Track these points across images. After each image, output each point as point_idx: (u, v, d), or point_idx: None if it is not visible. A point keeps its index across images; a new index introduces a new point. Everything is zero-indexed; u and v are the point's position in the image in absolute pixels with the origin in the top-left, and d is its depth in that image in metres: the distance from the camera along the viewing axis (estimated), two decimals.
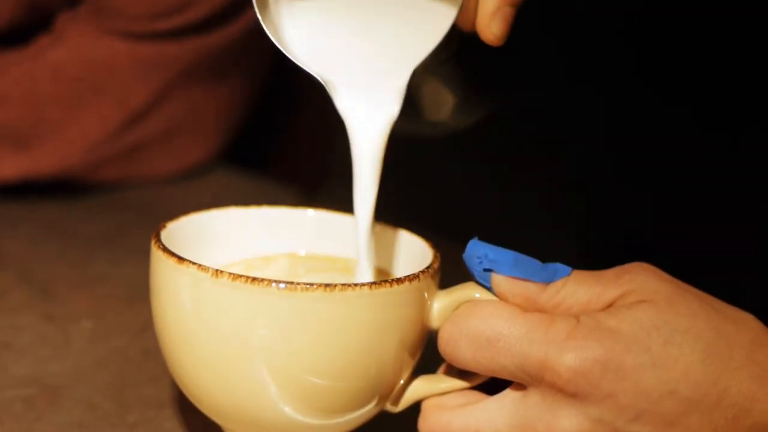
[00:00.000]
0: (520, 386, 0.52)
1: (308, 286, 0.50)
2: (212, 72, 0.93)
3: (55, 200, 0.91)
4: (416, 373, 0.55)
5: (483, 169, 0.84)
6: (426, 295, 0.53)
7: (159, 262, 0.53)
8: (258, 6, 0.55)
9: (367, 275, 0.56)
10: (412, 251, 0.58)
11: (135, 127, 0.93)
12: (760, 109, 0.72)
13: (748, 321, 0.51)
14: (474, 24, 0.56)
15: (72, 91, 0.89)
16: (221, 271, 0.50)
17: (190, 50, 0.91)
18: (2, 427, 0.58)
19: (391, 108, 0.56)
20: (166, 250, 0.53)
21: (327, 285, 0.50)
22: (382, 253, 0.60)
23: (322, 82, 0.56)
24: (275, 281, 0.50)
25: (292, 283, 0.50)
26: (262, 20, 0.55)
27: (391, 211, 0.60)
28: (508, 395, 0.52)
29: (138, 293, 0.66)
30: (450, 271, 0.56)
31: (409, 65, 0.57)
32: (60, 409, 0.60)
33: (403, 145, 0.57)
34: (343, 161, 0.58)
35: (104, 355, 0.67)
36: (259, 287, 0.50)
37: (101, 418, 0.60)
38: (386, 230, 0.60)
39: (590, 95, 0.79)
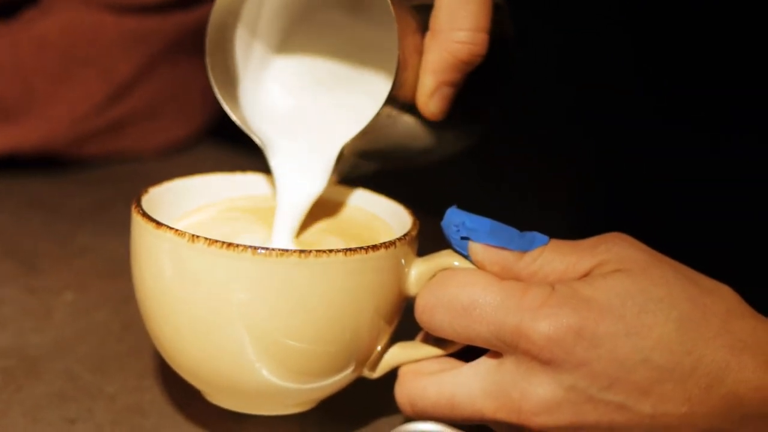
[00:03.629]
0: (496, 354, 0.52)
1: (283, 251, 0.50)
2: (196, 48, 0.93)
3: (39, 175, 0.91)
4: (394, 340, 0.56)
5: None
6: (403, 262, 0.53)
7: (138, 227, 0.53)
8: (210, 56, 0.58)
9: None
10: (393, 219, 0.59)
11: (120, 101, 0.92)
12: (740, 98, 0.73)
13: (724, 292, 0.51)
14: (413, 98, 0.57)
15: (58, 63, 0.89)
16: (197, 237, 0.50)
17: (173, 25, 0.91)
18: None
19: (318, 182, 0.58)
20: (145, 215, 0.53)
21: (302, 251, 0.50)
22: (363, 219, 0.61)
23: (260, 145, 0.58)
24: (251, 246, 0.50)
25: (267, 248, 0.50)
26: (212, 71, 0.58)
27: (375, 182, 0.60)
28: (483, 362, 0.52)
29: (120, 267, 0.66)
30: (430, 246, 0.56)
31: (339, 142, 0.57)
32: (40, 379, 0.60)
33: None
34: None
35: (85, 328, 0.67)
36: (235, 252, 0.50)
37: (81, 388, 0.60)
38: (368, 197, 0.61)
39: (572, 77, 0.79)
